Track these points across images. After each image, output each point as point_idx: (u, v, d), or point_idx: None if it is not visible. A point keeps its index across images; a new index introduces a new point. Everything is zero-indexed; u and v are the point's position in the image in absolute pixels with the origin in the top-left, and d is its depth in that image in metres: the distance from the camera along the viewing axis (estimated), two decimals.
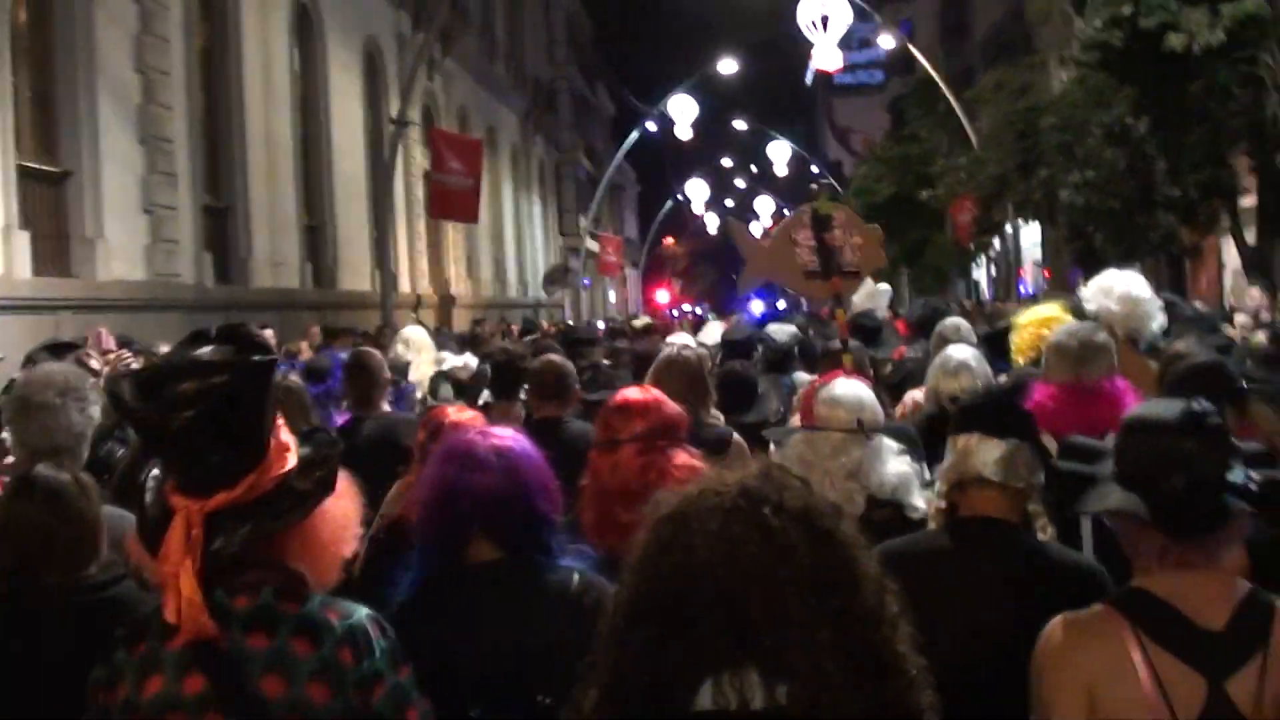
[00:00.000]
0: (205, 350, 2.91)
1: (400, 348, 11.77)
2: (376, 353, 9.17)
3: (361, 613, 3.00)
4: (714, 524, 2.22)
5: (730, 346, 10.39)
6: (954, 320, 9.59)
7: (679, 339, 10.37)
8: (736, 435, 6.67)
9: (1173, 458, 3.11)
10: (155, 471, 2.99)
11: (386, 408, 8.46)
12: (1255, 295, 16.95)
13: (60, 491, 3.93)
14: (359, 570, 4.19)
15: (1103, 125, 22.81)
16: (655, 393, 4.98)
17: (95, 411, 5.24)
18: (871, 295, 13.62)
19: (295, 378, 8.21)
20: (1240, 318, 13.95)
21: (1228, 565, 3.21)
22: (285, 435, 3.00)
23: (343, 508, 3.08)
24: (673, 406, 4.83)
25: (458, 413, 5.56)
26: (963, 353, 7.10)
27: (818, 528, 2.24)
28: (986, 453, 3.96)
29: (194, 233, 23.17)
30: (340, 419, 8.47)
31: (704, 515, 2.23)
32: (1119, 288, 7.33)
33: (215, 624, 2.82)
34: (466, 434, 3.92)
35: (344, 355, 9.78)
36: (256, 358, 2.91)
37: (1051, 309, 7.76)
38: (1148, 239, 23.66)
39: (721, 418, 7.11)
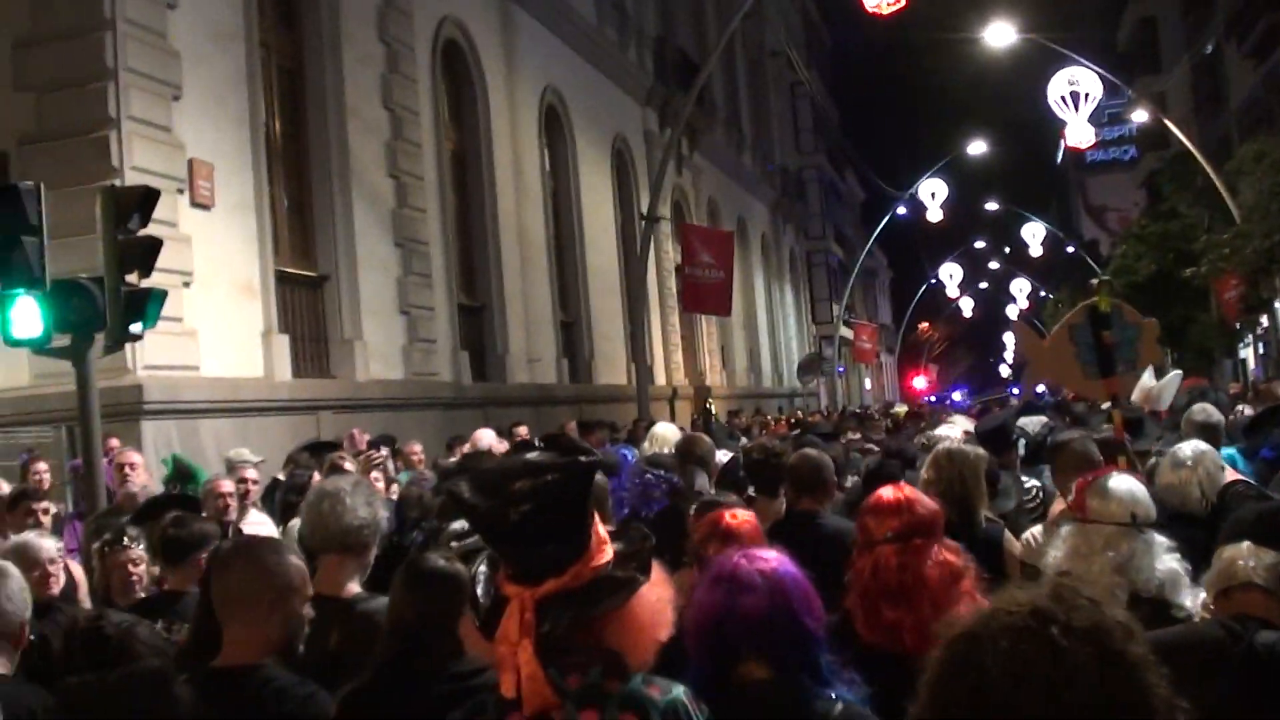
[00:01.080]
0: (535, 454, 3.22)
1: (647, 444, 11.87)
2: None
3: (679, 690, 3.18)
4: (1005, 643, 2.20)
5: (982, 438, 9.89)
6: (1200, 406, 9.44)
7: (950, 430, 10.55)
8: (1009, 534, 6.69)
9: None
10: (483, 567, 3.31)
11: None
12: None
13: (448, 576, 4.34)
14: None
15: None
16: (909, 490, 5.02)
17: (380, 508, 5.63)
18: (1165, 386, 13.10)
19: (600, 476, 8.14)
20: None
21: None
22: (602, 529, 3.22)
23: (657, 594, 3.25)
24: (927, 504, 4.88)
25: (732, 517, 5.48)
26: (1186, 450, 6.89)
27: (1108, 648, 2.21)
28: (1257, 559, 3.96)
29: (450, 332, 23.51)
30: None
31: (995, 635, 2.23)
32: None
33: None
34: (732, 557, 3.96)
35: (629, 451, 10.07)
36: (583, 459, 3.20)
37: None
38: None
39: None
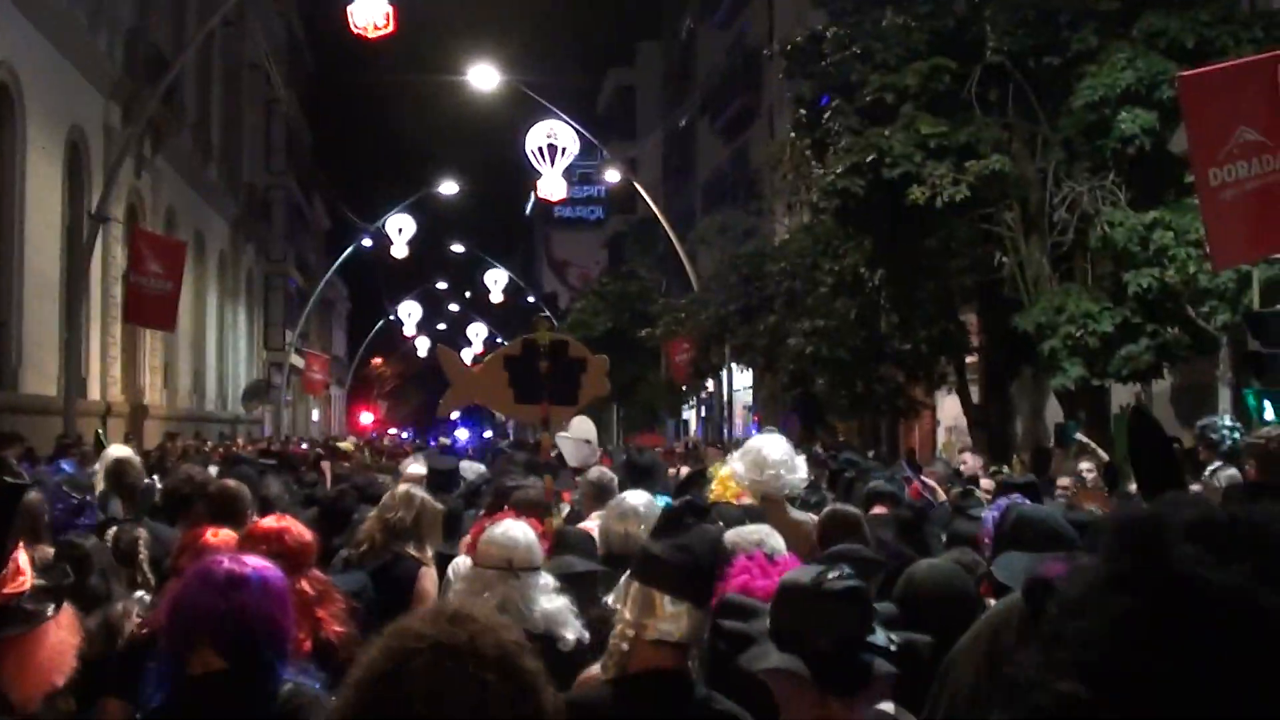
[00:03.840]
0: None
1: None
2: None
3: None
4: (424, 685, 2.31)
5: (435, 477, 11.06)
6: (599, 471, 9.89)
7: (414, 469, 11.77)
8: (427, 573, 7.47)
9: (820, 620, 3.34)
10: None
11: None
12: (968, 460, 16.59)
13: None
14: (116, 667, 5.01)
15: (834, 274, 22.51)
16: (289, 522, 5.82)
17: None
18: (581, 428, 14.51)
19: (35, 494, 7.62)
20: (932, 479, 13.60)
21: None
22: (23, 559, 3.13)
23: (61, 637, 3.18)
24: (298, 537, 5.66)
25: (213, 534, 5.88)
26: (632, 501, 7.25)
27: (515, 668, 2.38)
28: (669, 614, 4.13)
29: None
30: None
31: (414, 675, 2.33)
32: (756, 453, 7.53)
33: None
34: (209, 561, 4.14)
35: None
36: (6, 479, 3.14)
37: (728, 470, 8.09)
38: (874, 392, 23.38)
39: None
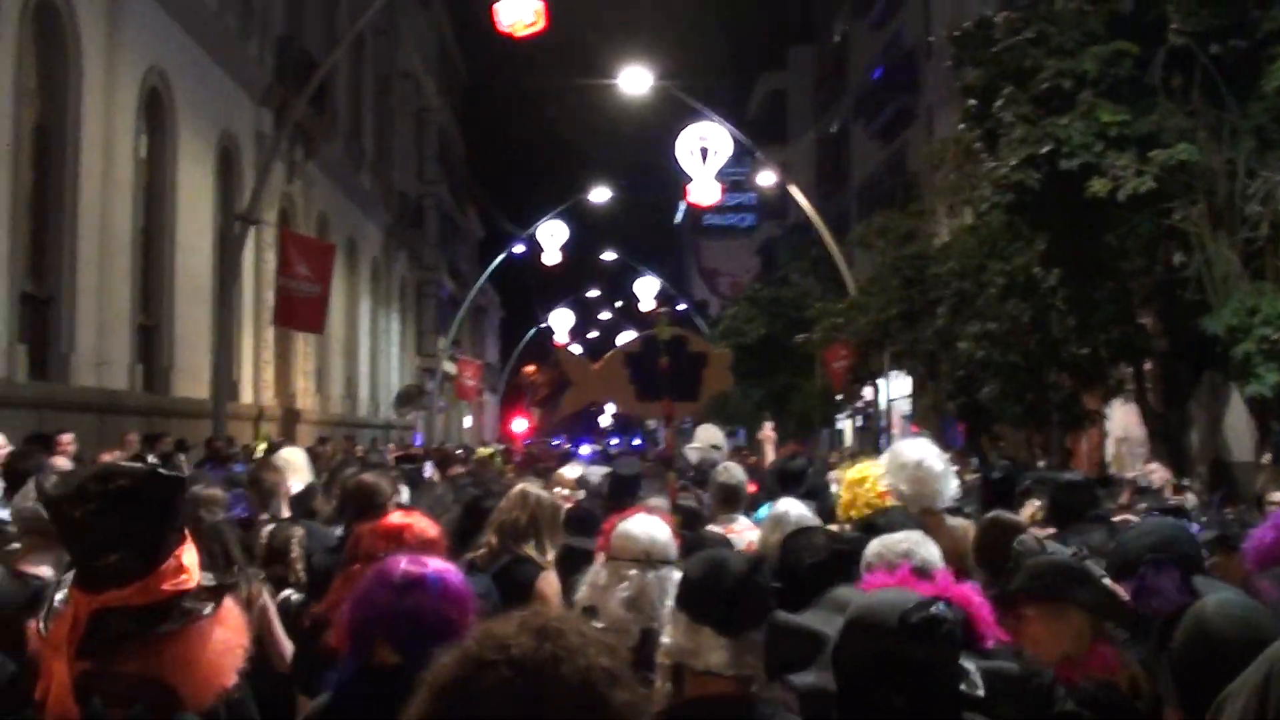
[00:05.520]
0: (124, 461, 3.49)
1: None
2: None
3: None
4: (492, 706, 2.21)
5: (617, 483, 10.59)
6: (724, 465, 9.70)
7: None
8: (548, 576, 7.22)
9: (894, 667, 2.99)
10: (71, 574, 3.13)
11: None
12: (1157, 472, 15.29)
13: None
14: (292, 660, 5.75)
15: (1004, 274, 21.46)
16: (415, 517, 5.72)
17: None
18: (708, 436, 14.76)
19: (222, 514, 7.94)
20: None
21: None
22: (190, 557, 3.14)
23: (225, 637, 3.16)
24: (423, 531, 5.52)
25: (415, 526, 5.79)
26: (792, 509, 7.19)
27: (595, 694, 2.24)
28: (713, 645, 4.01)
29: (6, 321, 20.81)
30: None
31: (484, 693, 2.23)
32: (911, 461, 7.32)
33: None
34: (395, 559, 4.32)
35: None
36: (163, 470, 3.16)
37: (872, 467, 7.77)
38: (1048, 399, 22.26)
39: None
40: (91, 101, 24.05)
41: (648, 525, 5.67)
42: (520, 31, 26.82)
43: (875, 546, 5.19)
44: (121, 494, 3.01)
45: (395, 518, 5.72)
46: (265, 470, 9.37)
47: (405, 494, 9.86)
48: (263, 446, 20.52)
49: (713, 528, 8.32)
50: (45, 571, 5.95)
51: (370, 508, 7.29)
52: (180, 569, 3.09)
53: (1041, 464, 22.53)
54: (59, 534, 3.25)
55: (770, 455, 18.48)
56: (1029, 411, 22.98)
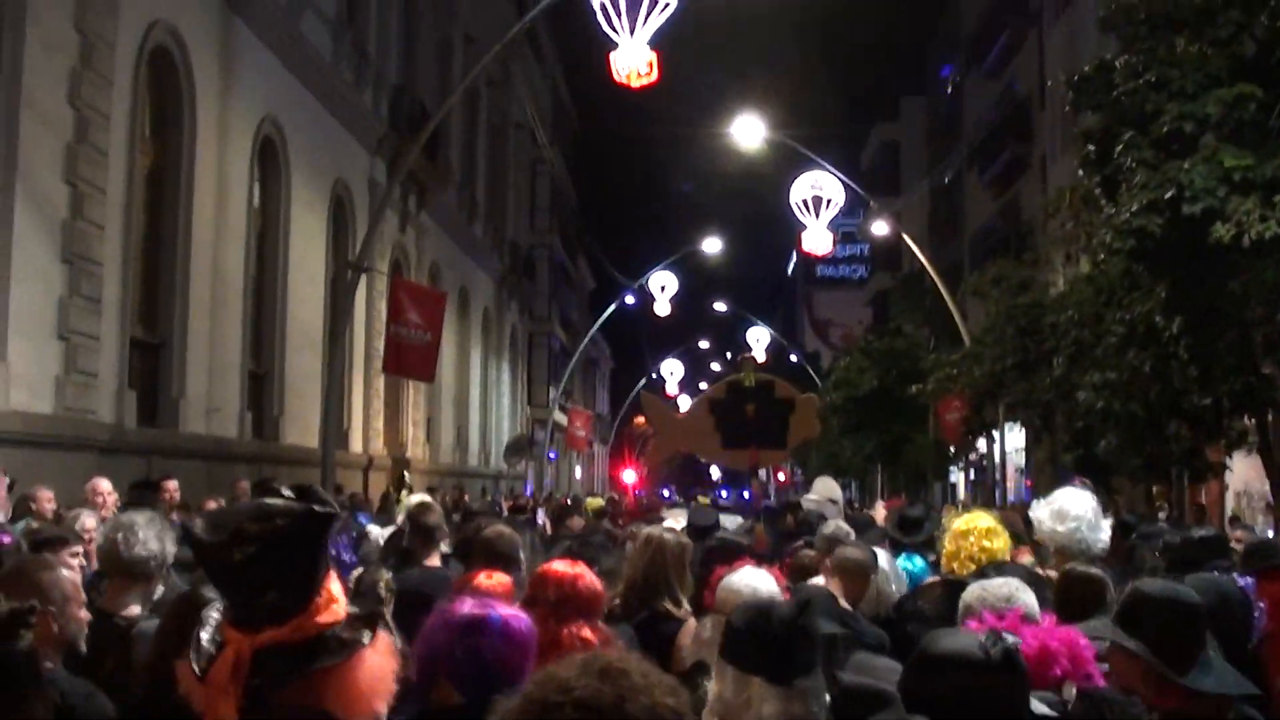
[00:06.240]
0: (272, 499, 3.19)
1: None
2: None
3: None
4: None
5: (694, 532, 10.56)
6: (835, 524, 9.62)
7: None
8: (691, 623, 6.93)
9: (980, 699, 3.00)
10: (215, 612, 3.15)
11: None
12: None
13: None
14: None
15: (1124, 323, 20.91)
16: (580, 569, 5.55)
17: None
18: (825, 489, 14.97)
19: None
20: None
21: None
22: (336, 587, 3.18)
23: (379, 663, 3.18)
24: (588, 584, 5.42)
25: (487, 576, 6.06)
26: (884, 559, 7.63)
27: None
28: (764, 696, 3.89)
29: (117, 367, 20.93)
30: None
31: None
32: (1060, 505, 7.46)
33: None
34: (464, 603, 4.36)
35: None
36: (318, 508, 3.15)
37: (979, 518, 7.83)
38: (1170, 451, 21.63)
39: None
40: (206, 148, 24.27)
41: (752, 579, 5.69)
42: (635, 82, 26.65)
43: (976, 591, 5.15)
44: (280, 534, 3.06)
45: (560, 566, 5.63)
46: (426, 514, 9.46)
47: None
48: (408, 494, 20.69)
49: (815, 581, 8.16)
50: (134, 611, 6.09)
51: (498, 557, 7.42)
52: (330, 599, 3.13)
53: (1162, 516, 21.93)
54: (210, 576, 3.26)
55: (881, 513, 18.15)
56: (1149, 464, 22.34)
